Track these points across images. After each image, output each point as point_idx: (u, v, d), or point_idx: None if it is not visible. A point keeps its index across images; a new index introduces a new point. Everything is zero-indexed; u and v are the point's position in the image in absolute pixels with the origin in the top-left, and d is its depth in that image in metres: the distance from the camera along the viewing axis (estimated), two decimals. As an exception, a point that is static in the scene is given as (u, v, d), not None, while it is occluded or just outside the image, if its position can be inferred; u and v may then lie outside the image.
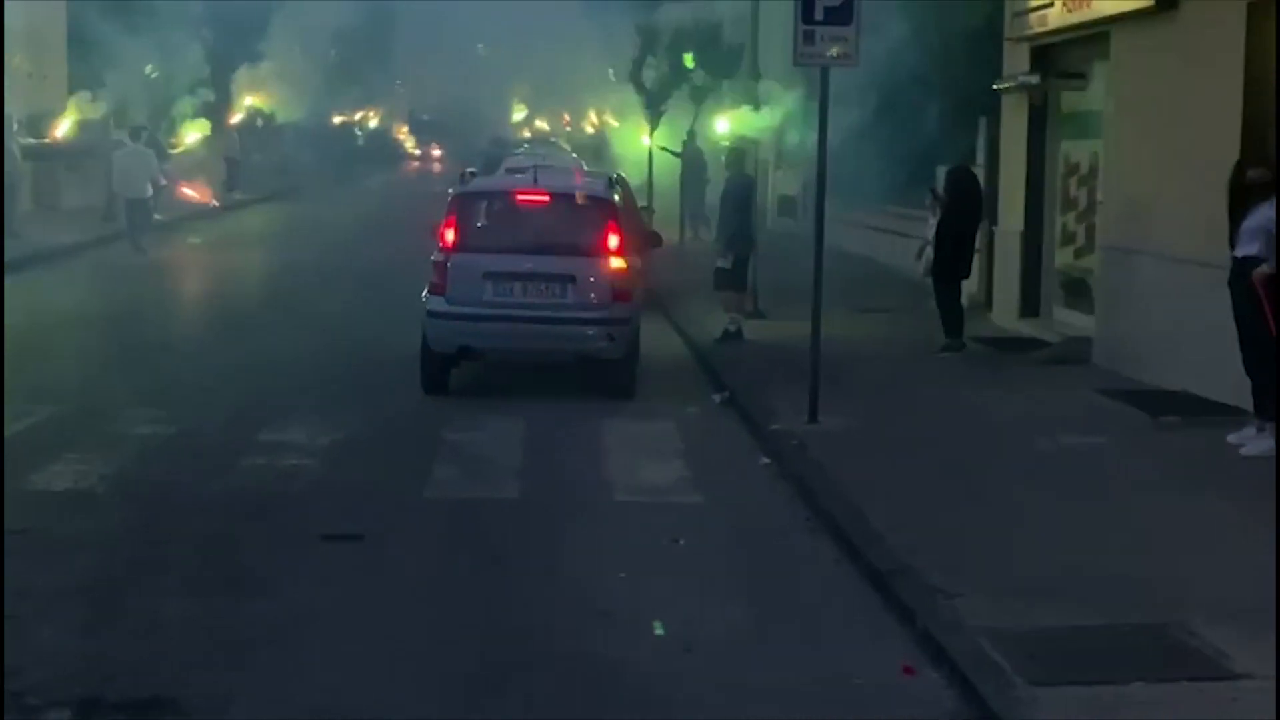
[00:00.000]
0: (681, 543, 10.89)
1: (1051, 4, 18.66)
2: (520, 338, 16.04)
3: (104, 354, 18.26)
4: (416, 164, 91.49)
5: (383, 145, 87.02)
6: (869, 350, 19.34)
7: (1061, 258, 20.24)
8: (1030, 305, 20.55)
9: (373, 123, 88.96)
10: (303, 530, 10.90)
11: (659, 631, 8.87)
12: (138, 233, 29.93)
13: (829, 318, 21.64)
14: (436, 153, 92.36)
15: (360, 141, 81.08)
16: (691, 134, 36.08)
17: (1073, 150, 19.97)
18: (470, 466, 13.11)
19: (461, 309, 15.88)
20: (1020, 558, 9.89)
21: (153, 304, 24.08)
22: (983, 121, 23.12)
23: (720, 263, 19.74)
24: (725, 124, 21.75)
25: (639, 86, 36.27)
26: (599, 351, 16.00)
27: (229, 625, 8.79)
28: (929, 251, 18.82)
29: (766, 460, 13.56)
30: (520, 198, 17.05)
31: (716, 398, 16.51)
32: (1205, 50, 15.28)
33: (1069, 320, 19.70)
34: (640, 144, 37.76)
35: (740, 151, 20.35)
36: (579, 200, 16.90)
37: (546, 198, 16.93)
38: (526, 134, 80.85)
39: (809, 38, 14.01)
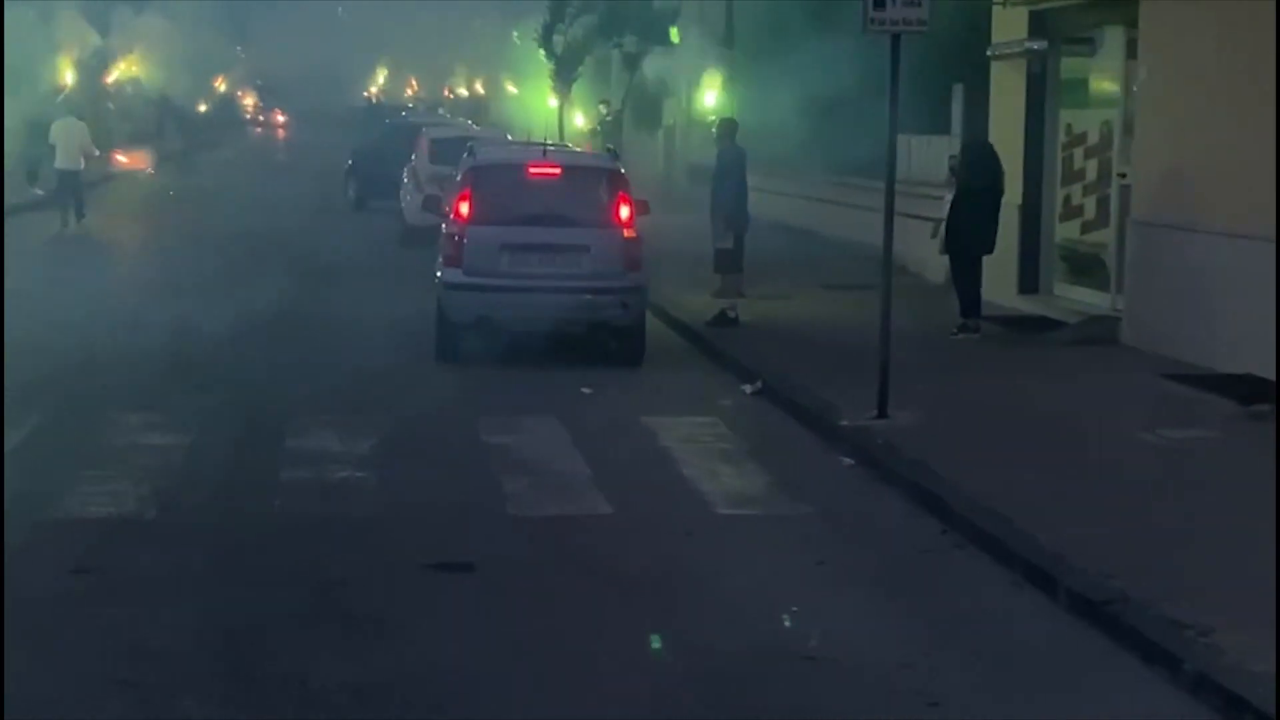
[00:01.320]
0: (825, 565, 9.82)
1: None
2: (538, 307, 16.07)
3: (66, 341, 16.57)
4: (259, 130, 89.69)
5: (227, 112, 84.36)
6: (874, 333, 18.35)
7: (1064, 232, 19.46)
8: (1029, 281, 19.77)
9: (220, 88, 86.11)
10: (402, 558, 9.66)
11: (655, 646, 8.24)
12: (71, 204, 29.39)
13: (803, 296, 21.17)
14: (280, 119, 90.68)
15: (204, 108, 78.35)
16: (608, 102, 35.03)
17: (1076, 120, 19.18)
18: (539, 478, 11.87)
19: (479, 280, 16.07)
20: (1235, 578, 8.94)
21: (97, 281, 22.39)
22: (957, 89, 22.30)
23: (719, 243, 18.67)
24: (712, 96, 20.29)
25: (549, 53, 35.11)
26: (613, 319, 16.30)
27: (379, 681, 7.56)
28: (943, 228, 17.86)
29: (849, 461, 12.52)
30: (533, 170, 17.11)
31: (747, 388, 15.45)
32: (1255, 10, 14.50)
33: (1075, 297, 18.98)
34: (548, 109, 36.58)
35: (732, 122, 19.23)
36: (590, 173, 17.41)
37: (559, 170, 17.12)
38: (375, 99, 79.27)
39: (880, 3, 12.94)
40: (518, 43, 40.37)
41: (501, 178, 17.29)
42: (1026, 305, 19.35)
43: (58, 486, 11.00)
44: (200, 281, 21.51)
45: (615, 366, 16.61)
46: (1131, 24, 17.09)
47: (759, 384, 15.37)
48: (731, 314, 18.50)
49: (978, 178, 17.62)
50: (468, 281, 16.13)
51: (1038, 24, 19.19)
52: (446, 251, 16.57)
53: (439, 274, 16.71)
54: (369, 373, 15.59)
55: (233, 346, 16.78)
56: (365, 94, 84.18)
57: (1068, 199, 19.33)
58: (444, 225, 17.22)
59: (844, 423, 13.30)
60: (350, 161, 37.21)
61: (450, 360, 16.31)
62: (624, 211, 16.55)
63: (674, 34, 22.35)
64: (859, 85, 24.10)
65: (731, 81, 25.78)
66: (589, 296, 16.12)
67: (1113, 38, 17.95)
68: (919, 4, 13.01)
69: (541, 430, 13.50)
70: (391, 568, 9.49)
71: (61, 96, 31.47)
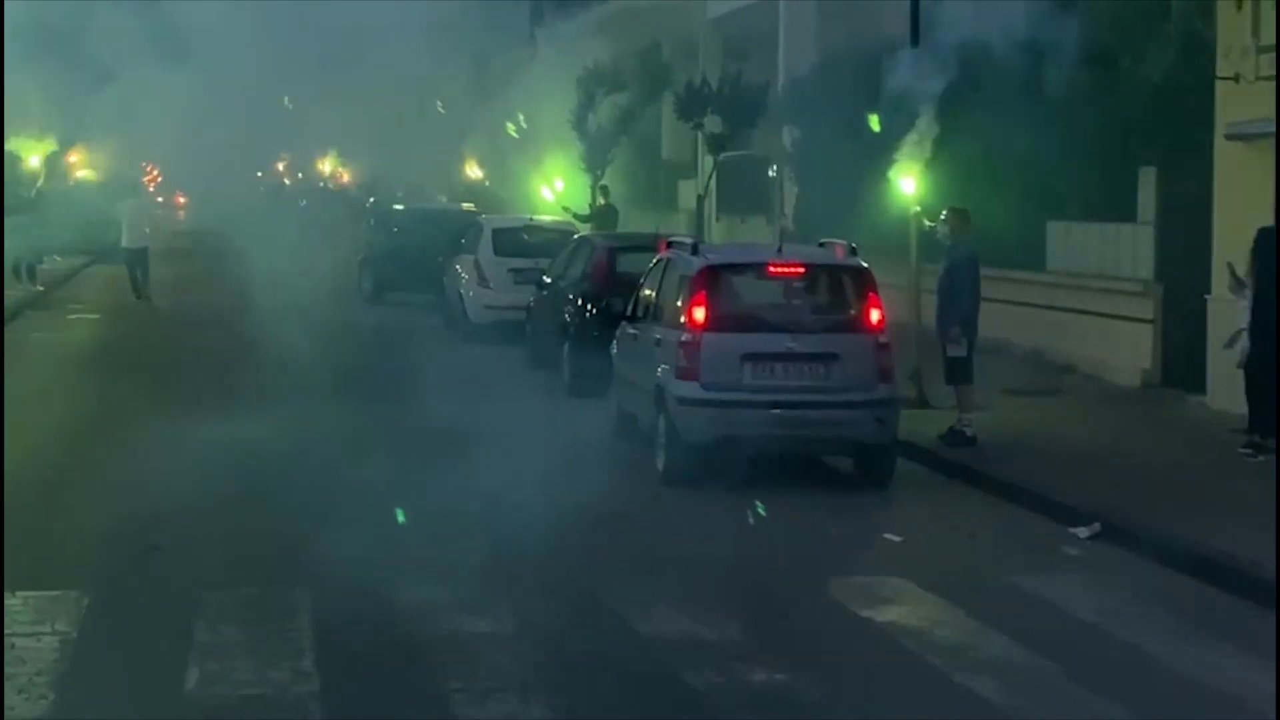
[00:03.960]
0: None
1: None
2: (784, 425, 14.33)
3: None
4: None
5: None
6: (1130, 449, 16.06)
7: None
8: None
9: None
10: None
11: None
12: (143, 281, 29.89)
13: (997, 405, 18.69)
14: (181, 200, 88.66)
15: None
16: (606, 188, 32.76)
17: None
18: (1010, 679, 9.15)
19: (719, 395, 14.22)
20: None
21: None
22: (1147, 172, 20.03)
23: (953, 351, 16.19)
24: (910, 183, 17.73)
25: (581, 134, 32.68)
26: (867, 437, 14.52)
27: None
28: (1245, 339, 15.42)
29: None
30: (774, 270, 15.36)
31: (1083, 532, 12.84)
32: None
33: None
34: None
35: (965, 214, 16.70)
36: (835, 271, 15.32)
37: (802, 269, 15.37)
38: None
39: None
40: (514, 134, 37.72)
41: (739, 279, 15.35)
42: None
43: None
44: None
45: (859, 491, 14.73)
46: None
47: (1096, 526, 12.81)
48: (970, 431, 16.02)
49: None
50: (706, 397, 14.28)
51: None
52: (679, 362, 14.39)
53: (665, 386, 14.60)
54: (606, 511, 13.15)
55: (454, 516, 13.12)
56: (264, 174, 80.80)
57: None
58: (661, 332, 15.23)
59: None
60: (363, 255, 34.48)
61: (681, 486, 14.45)
62: (874, 315, 14.80)
63: (875, 122, 19.84)
64: (1002, 167, 21.94)
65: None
66: (838, 411, 14.40)
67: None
68: None
69: (911, 599, 10.91)
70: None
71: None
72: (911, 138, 17.70)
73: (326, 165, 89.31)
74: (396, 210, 35.22)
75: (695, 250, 15.19)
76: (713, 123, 28.94)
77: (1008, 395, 19.30)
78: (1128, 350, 20.02)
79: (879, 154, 23.26)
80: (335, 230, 47.12)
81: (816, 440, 14.71)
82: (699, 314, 14.39)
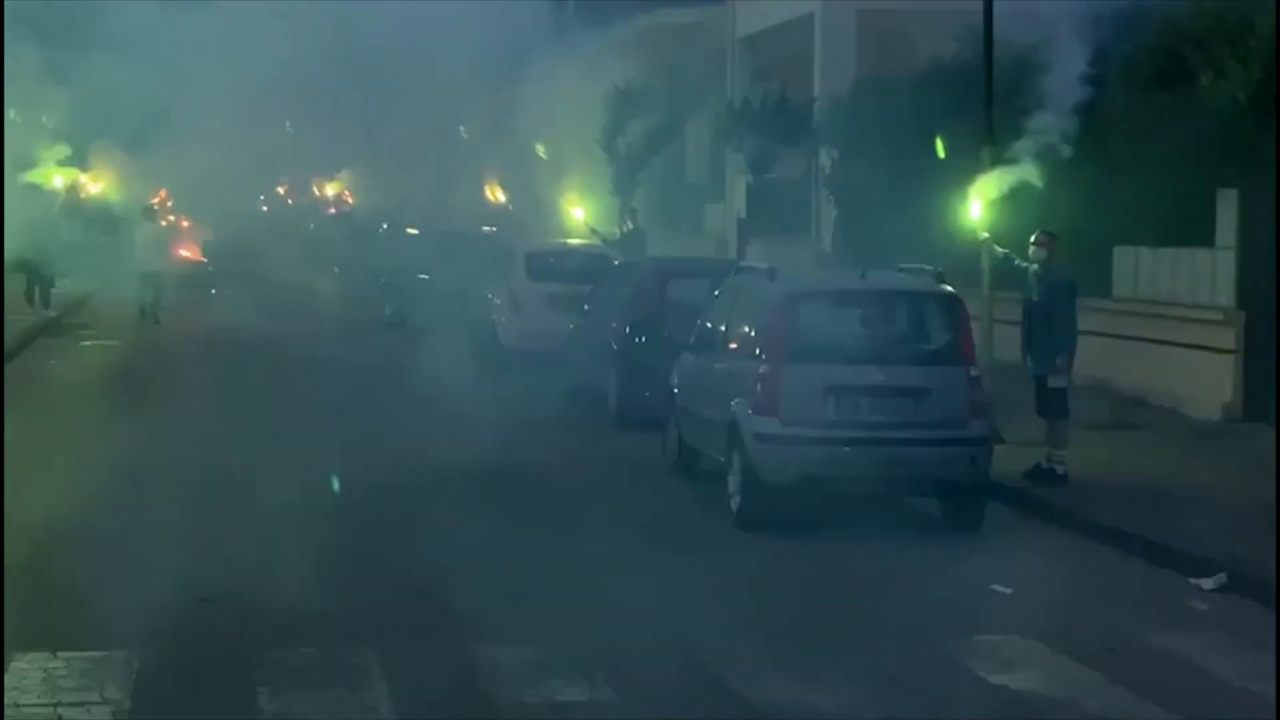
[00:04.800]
0: None
1: None
2: (872, 464, 13.18)
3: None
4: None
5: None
6: (1230, 488, 15.09)
7: None
8: None
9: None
10: None
11: None
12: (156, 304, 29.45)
13: (1072, 440, 17.64)
14: (185, 224, 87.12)
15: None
16: (635, 212, 31.80)
17: None
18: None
19: (802, 431, 13.21)
20: None
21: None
22: (1227, 194, 19.03)
23: (1055, 381, 15.21)
24: (977, 206, 16.74)
25: (611, 157, 31.79)
26: (961, 476, 13.51)
27: None
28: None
29: None
30: (859, 297, 14.43)
31: (1208, 583, 11.83)
32: None
33: None
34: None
35: (1057, 238, 15.74)
36: (924, 299, 14.33)
37: (888, 297, 14.49)
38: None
39: None
40: (542, 156, 36.74)
41: (821, 307, 14.39)
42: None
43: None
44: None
45: (948, 535, 13.83)
46: None
47: (1222, 577, 11.81)
48: (1061, 469, 15.06)
49: None
50: (787, 433, 13.25)
51: None
52: (757, 395, 13.34)
53: (740, 422, 13.54)
54: (683, 560, 12.18)
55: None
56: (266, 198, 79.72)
57: None
58: (733, 362, 14.23)
59: None
60: (384, 279, 33.51)
61: (758, 529, 13.33)
62: (967, 345, 13.95)
63: (940, 147, 18.90)
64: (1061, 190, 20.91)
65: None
66: (930, 449, 13.49)
67: None
68: None
69: (1043, 662, 9.92)
70: None
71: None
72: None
73: (329, 189, 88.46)
74: (414, 234, 34.20)
75: (773, 275, 14.22)
76: (753, 143, 27.94)
77: (1083, 430, 18.28)
78: (1207, 382, 18.99)
79: (928, 177, 22.45)
80: (344, 252, 46.33)
81: (906, 480, 13.70)
82: (777, 343, 13.40)
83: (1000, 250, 16.86)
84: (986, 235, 17.02)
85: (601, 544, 12.55)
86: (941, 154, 18.95)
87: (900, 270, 15.10)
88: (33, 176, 32.69)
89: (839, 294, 14.62)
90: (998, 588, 11.76)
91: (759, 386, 13.31)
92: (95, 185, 42.35)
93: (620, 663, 9.39)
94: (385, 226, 42.35)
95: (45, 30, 30.14)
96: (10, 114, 32.66)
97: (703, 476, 15.30)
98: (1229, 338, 18.78)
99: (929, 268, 14.51)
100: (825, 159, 29.19)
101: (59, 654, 9.24)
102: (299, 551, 11.70)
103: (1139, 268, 20.76)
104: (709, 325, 15.35)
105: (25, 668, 8.92)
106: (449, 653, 9.55)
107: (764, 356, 13.46)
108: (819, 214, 30.60)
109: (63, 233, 32.23)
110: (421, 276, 30.55)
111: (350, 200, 63.83)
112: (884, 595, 11.70)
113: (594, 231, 30.79)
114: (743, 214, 30.34)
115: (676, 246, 34.49)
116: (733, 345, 14.39)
